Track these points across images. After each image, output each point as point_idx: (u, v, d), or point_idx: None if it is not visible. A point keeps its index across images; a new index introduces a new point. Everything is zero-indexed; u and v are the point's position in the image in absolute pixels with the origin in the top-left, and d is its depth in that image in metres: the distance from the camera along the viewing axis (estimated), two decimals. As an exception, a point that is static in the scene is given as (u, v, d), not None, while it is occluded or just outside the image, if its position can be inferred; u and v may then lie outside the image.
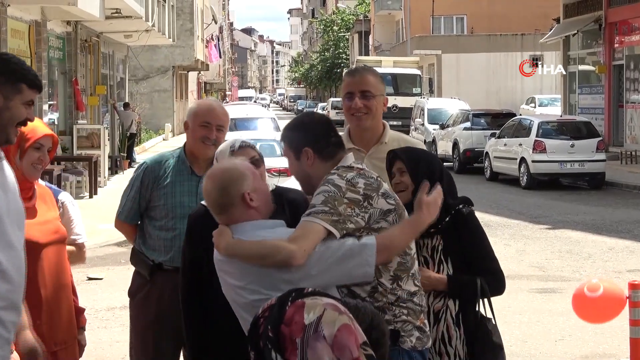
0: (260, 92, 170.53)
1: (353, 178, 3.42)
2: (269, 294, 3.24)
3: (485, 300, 4.01)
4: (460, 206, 4.02)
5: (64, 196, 4.47)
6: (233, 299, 3.43)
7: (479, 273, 3.97)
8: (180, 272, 3.99)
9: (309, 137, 3.57)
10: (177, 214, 4.65)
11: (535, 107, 39.81)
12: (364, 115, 4.26)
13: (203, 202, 3.88)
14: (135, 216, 4.82)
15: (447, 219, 3.97)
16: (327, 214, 3.32)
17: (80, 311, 4.41)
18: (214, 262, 3.55)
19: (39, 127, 4.08)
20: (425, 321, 3.60)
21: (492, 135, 23.55)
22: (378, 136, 4.39)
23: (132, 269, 4.94)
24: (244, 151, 3.94)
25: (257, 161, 3.87)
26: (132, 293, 4.86)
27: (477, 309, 4.01)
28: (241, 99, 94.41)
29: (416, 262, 3.62)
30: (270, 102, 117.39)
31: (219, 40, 71.80)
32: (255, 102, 75.76)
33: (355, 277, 3.37)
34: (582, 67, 31.30)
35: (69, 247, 4.36)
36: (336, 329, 2.96)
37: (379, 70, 16.25)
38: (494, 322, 4.06)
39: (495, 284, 4.02)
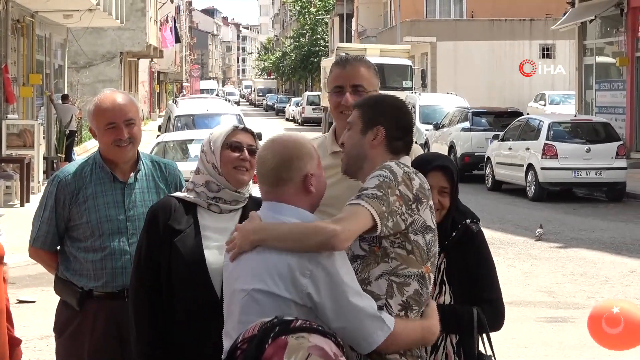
0: (223, 84, 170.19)
1: (411, 172, 3.49)
2: (273, 289, 3.25)
3: (484, 334, 4.01)
4: (468, 221, 4.05)
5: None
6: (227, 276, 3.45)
7: (476, 302, 3.97)
8: (132, 268, 4.06)
9: (388, 119, 3.63)
10: (105, 230, 4.59)
11: (545, 105, 40.03)
12: None
13: (172, 195, 4.10)
14: (54, 241, 4.73)
15: (454, 234, 4.00)
16: (379, 201, 3.35)
17: (16, 343, 4.36)
18: (174, 258, 3.81)
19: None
20: None
21: (495, 137, 23.66)
22: None
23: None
24: (244, 135, 4.03)
25: (253, 152, 3.97)
26: (58, 329, 4.74)
27: (476, 342, 4.00)
28: (201, 91, 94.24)
29: (430, 298, 3.59)
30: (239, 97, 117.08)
31: (175, 22, 71.70)
32: (217, 95, 75.71)
33: (349, 339, 3.30)
34: (600, 59, 31.49)
35: None
36: None
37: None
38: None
39: (493, 317, 4.00)
